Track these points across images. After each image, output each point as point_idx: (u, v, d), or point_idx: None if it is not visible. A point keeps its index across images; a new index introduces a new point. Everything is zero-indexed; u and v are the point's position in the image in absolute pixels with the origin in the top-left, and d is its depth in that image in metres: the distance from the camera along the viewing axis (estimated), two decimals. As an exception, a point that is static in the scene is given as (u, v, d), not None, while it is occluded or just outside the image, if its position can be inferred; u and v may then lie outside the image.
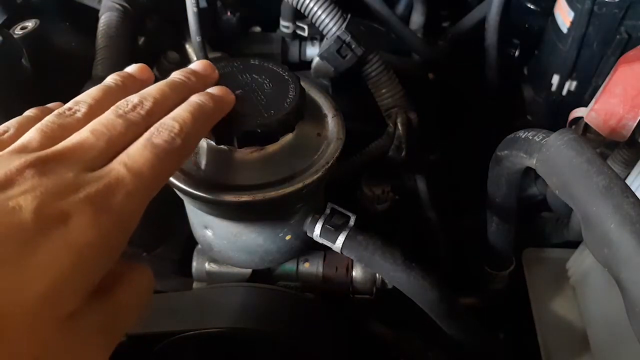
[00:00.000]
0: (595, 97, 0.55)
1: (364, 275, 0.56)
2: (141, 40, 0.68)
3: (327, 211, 0.49)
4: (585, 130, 0.55)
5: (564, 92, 0.68)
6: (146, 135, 0.32)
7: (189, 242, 0.58)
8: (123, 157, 0.31)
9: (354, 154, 0.60)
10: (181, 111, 0.34)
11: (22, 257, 0.25)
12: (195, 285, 0.58)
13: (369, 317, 0.60)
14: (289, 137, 0.44)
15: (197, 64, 0.41)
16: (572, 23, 0.62)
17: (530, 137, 0.44)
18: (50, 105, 0.36)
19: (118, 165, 0.30)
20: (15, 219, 0.26)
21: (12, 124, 0.32)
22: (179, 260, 0.62)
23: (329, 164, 0.44)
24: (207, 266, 0.57)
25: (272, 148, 0.44)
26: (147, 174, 0.30)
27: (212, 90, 0.39)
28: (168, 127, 0.33)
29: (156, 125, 0.33)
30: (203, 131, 0.36)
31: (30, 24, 0.54)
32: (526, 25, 0.79)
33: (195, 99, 0.36)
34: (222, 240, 0.51)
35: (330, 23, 0.57)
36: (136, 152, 0.31)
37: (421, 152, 0.65)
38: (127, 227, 0.30)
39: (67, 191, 0.28)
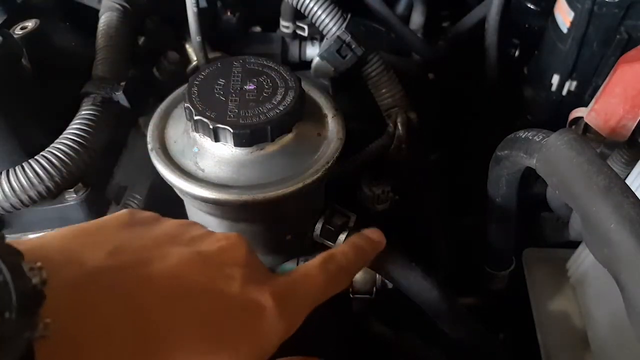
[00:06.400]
0: (595, 97, 0.55)
1: (364, 275, 0.56)
2: (141, 40, 0.68)
3: (327, 211, 0.49)
4: (585, 130, 0.55)
5: (564, 92, 0.68)
6: (321, 259, 0.41)
7: (189, 242, 0.58)
8: (301, 268, 0.39)
9: (354, 154, 0.60)
10: (349, 250, 0.43)
11: (226, 319, 0.32)
12: (195, 285, 0.58)
13: (369, 317, 0.60)
14: (289, 137, 0.44)
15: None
16: (572, 23, 0.62)
17: (530, 137, 0.44)
18: None
19: (299, 274, 0.38)
20: (228, 284, 0.33)
21: None
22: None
23: (329, 164, 0.44)
24: (207, 266, 0.57)
25: (272, 148, 0.44)
26: (318, 286, 0.38)
27: (372, 235, 0.48)
28: (339, 260, 0.41)
29: (330, 255, 0.41)
30: (360, 268, 0.46)
31: (30, 24, 0.54)
32: (526, 25, 0.79)
33: (360, 243, 0.46)
34: (222, 240, 0.51)
35: (330, 23, 0.57)
36: (312, 269, 0.39)
37: (421, 152, 0.65)
38: (296, 324, 0.36)
39: (262, 281, 0.35)
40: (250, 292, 0.33)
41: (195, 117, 0.42)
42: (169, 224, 0.37)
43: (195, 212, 0.51)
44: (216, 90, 0.44)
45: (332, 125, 0.48)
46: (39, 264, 0.25)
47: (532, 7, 0.77)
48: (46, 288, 0.24)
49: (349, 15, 0.58)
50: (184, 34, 0.72)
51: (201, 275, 0.32)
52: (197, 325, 0.31)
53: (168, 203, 0.53)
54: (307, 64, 0.76)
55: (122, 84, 0.53)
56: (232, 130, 0.41)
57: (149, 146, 0.46)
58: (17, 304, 0.22)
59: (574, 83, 0.67)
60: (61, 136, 0.48)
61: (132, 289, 0.29)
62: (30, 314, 0.23)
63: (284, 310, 0.34)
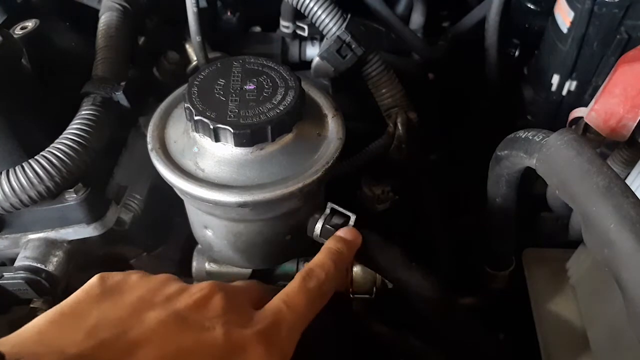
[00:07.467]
0: (595, 97, 0.55)
1: (364, 275, 0.56)
2: (141, 40, 0.68)
3: (327, 211, 0.49)
4: (585, 130, 0.55)
5: (564, 92, 0.68)
6: (300, 280, 0.40)
7: (189, 242, 0.58)
8: (282, 296, 0.39)
9: (354, 154, 0.60)
10: (327, 260, 0.43)
11: None
12: (195, 285, 0.58)
13: (369, 317, 0.60)
14: (289, 137, 0.44)
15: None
16: (572, 23, 0.62)
17: (530, 137, 0.44)
18: None
19: (280, 303, 0.38)
20: (210, 337, 0.33)
21: None
22: (179, 260, 0.62)
23: (329, 164, 0.44)
24: (207, 266, 0.57)
25: (272, 148, 0.44)
26: (302, 310, 0.38)
27: (346, 235, 0.46)
28: (317, 275, 0.41)
29: (308, 272, 0.41)
30: (341, 272, 0.45)
31: (30, 24, 0.54)
32: (526, 25, 0.79)
33: (336, 246, 0.45)
34: (222, 240, 0.51)
35: (330, 23, 0.57)
36: (293, 294, 0.39)
37: (421, 152, 0.65)
38: (288, 355, 0.36)
39: (243, 324, 0.35)
40: (234, 338, 0.34)
41: (196, 117, 0.42)
42: (142, 286, 0.36)
43: (195, 212, 0.51)
44: (216, 90, 0.44)
45: (332, 125, 0.48)
46: None
47: (532, 7, 0.77)
48: None
49: (349, 15, 0.58)
50: (184, 34, 0.72)
51: (182, 335, 0.33)
52: None
53: (168, 203, 0.53)
54: (307, 64, 0.76)
55: (122, 84, 0.53)
56: (232, 130, 0.41)
57: (149, 146, 0.46)
58: None
59: (574, 83, 0.67)
60: (61, 136, 0.48)
61: None
62: None
63: (271, 346, 0.35)
